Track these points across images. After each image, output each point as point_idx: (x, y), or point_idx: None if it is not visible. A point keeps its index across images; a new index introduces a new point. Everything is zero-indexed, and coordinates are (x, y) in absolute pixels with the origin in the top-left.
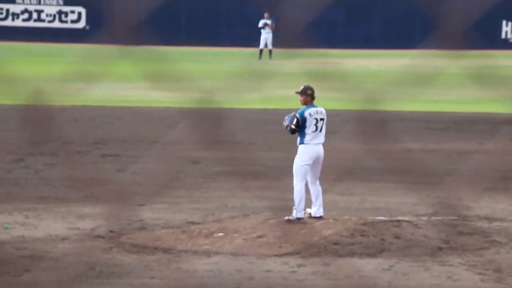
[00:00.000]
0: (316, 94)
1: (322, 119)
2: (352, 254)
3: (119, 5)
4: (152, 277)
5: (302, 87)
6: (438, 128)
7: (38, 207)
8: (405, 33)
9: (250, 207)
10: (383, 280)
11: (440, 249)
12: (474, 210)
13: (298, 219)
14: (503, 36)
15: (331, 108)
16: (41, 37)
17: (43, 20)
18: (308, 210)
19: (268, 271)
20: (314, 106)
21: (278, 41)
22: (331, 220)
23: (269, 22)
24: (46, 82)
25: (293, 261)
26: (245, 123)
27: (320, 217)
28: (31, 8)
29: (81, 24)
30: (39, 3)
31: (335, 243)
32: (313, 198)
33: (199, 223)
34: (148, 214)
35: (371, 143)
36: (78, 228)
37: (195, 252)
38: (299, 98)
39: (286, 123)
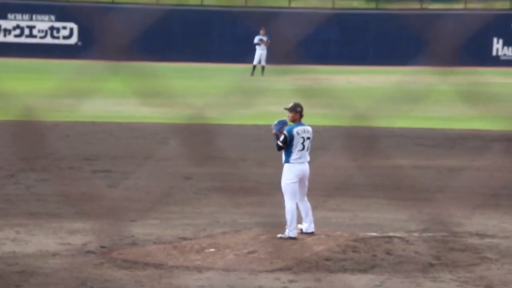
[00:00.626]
0: (306, 110)
1: (308, 138)
2: (343, 270)
3: (111, 21)
4: None
5: (291, 104)
6: (430, 144)
7: (29, 223)
8: (397, 50)
9: (241, 223)
10: None
11: (431, 265)
12: (466, 227)
13: (291, 238)
14: (494, 53)
15: (322, 124)
16: (33, 53)
17: (35, 36)
18: (299, 226)
19: (260, 286)
20: (302, 125)
21: (271, 57)
22: (322, 236)
23: (264, 38)
24: (38, 98)
25: (285, 276)
26: (237, 139)
27: (312, 233)
28: (23, 24)
29: (73, 40)
30: (31, 19)
31: (327, 259)
32: (303, 215)
33: (190, 239)
34: (139, 229)
35: (361, 159)
36: (69, 244)
37: (187, 268)
38: (288, 115)
39: (274, 130)
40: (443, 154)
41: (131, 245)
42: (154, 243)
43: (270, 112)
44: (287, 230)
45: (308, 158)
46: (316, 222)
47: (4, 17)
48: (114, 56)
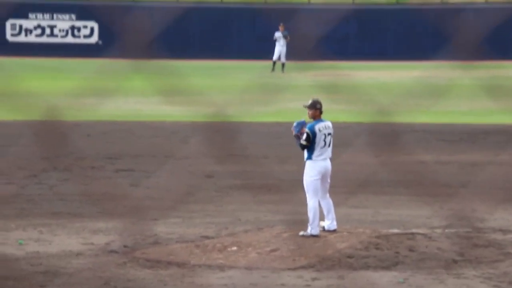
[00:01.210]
0: (327, 106)
1: (329, 134)
2: (366, 267)
3: (131, 20)
4: None
5: (310, 101)
6: (451, 139)
7: (52, 223)
8: (417, 44)
9: (263, 221)
10: None
11: (454, 261)
12: (489, 222)
13: (313, 236)
14: None
15: (343, 121)
16: (54, 52)
17: (56, 36)
18: (321, 223)
19: (282, 285)
20: (322, 121)
21: (291, 53)
22: (345, 233)
23: (284, 34)
24: (59, 98)
25: (307, 274)
26: (258, 137)
27: (334, 231)
28: (44, 23)
29: (94, 39)
30: (52, 19)
31: (349, 256)
32: (325, 212)
33: (213, 237)
34: (162, 228)
35: (383, 155)
36: (92, 243)
37: (209, 267)
38: (307, 112)
39: (295, 132)
40: (465, 149)
41: (154, 244)
42: (177, 242)
43: (291, 109)
44: (309, 228)
45: (330, 155)
46: (339, 219)
47: (25, 17)
48: (135, 55)
